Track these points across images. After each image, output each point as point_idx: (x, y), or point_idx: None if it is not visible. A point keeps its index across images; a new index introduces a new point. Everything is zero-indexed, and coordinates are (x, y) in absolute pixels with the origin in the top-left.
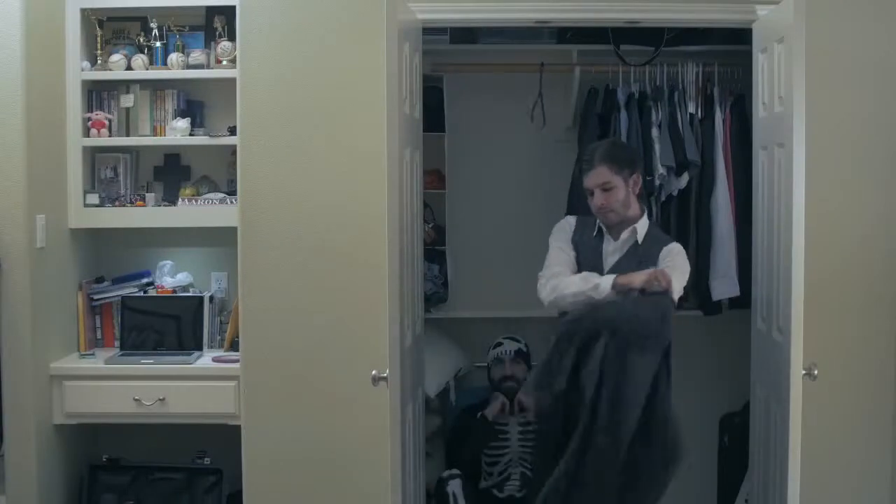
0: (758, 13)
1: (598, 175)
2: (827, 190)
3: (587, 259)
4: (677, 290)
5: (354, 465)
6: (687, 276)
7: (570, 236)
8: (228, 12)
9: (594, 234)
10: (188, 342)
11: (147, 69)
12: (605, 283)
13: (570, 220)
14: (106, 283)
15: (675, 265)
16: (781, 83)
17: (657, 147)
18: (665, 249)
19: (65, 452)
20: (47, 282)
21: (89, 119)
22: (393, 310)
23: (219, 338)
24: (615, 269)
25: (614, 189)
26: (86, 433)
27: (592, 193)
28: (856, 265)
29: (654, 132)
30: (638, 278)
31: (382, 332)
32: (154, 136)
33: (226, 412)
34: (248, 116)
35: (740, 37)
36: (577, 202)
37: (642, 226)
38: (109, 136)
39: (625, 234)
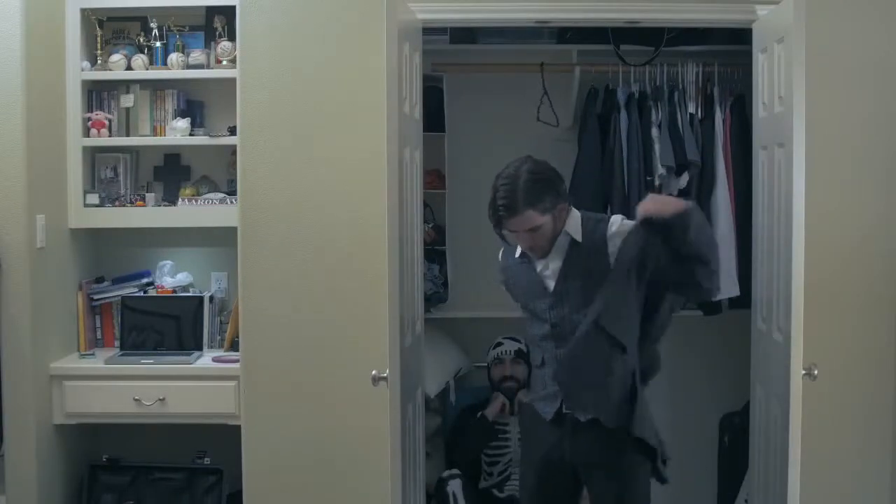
0: (758, 13)
1: (525, 220)
2: (827, 190)
3: (523, 288)
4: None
5: (354, 464)
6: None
7: (504, 280)
8: (228, 12)
9: (517, 255)
10: (188, 342)
11: (147, 69)
12: None
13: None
14: (106, 283)
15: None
16: (781, 83)
17: (657, 147)
18: (611, 223)
19: (65, 452)
20: (47, 282)
21: (89, 119)
22: (393, 310)
23: (219, 338)
24: (562, 276)
25: (542, 228)
26: (86, 433)
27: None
28: (856, 265)
29: (654, 132)
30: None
31: (382, 331)
32: (154, 136)
33: (226, 412)
34: (248, 116)
35: (740, 37)
36: (576, 201)
37: (574, 225)
38: (109, 136)
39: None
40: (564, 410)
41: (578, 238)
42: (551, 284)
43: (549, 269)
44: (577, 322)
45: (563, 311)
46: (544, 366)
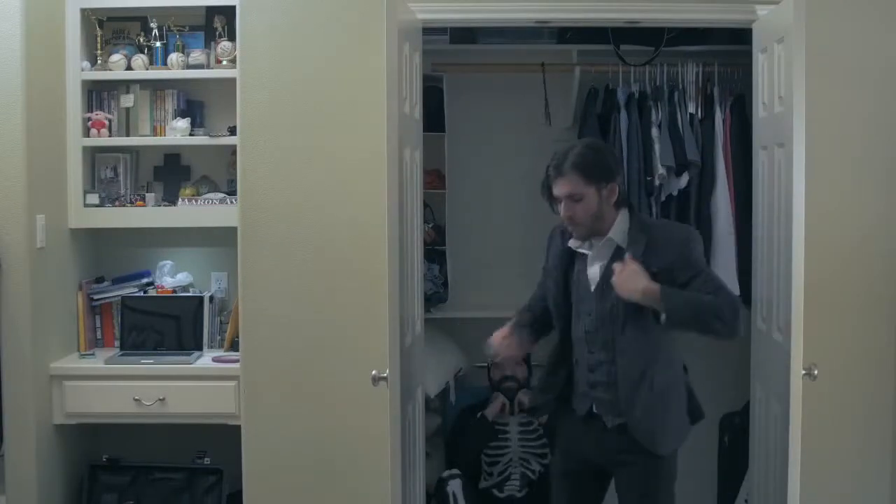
0: (758, 13)
1: (567, 184)
2: (827, 190)
3: (579, 283)
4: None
5: (354, 464)
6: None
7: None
8: (228, 12)
9: (566, 243)
10: (188, 342)
11: (147, 69)
12: None
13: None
14: (106, 283)
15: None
16: (781, 83)
17: (657, 147)
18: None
19: (65, 452)
20: (47, 282)
21: (89, 119)
22: (393, 310)
23: (219, 338)
24: (603, 278)
25: (584, 200)
26: (86, 433)
27: (560, 201)
28: (856, 265)
29: (654, 132)
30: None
31: (382, 331)
32: (154, 136)
33: (226, 412)
34: (248, 116)
35: (740, 37)
36: None
37: (619, 231)
38: (109, 136)
39: (599, 243)
40: (595, 411)
41: (623, 244)
42: (593, 285)
43: (589, 275)
44: (611, 333)
45: (597, 321)
46: (578, 365)
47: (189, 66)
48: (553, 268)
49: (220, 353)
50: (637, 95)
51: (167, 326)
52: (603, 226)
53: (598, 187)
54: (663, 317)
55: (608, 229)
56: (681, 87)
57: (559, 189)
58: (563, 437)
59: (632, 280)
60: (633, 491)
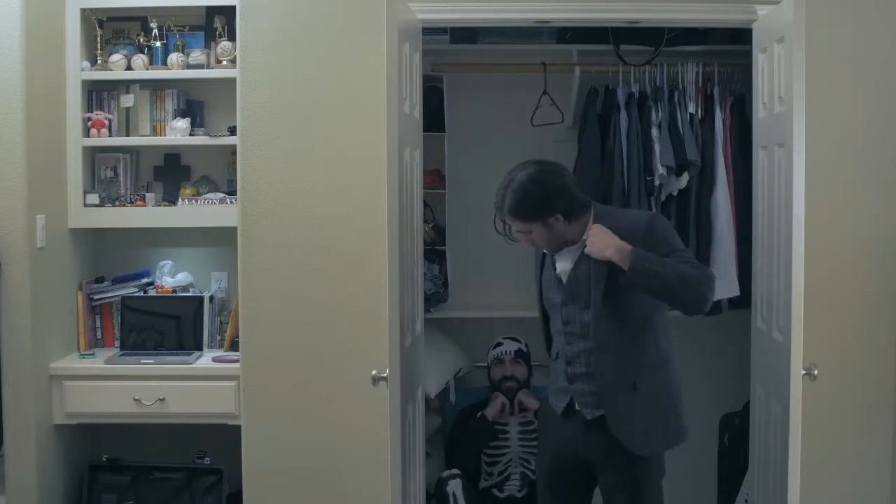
0: (758, 13)
1: (511, 222)
2: (827, 190)
3: (542, 277)
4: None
5: (354, 464)
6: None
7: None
8: (228, 12)
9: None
10: (188, 342)
11: (147, 69)
12: None
13: None
14: (106, 283)
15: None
16: (781, 83)
17: (657, 147)
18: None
19: (65, 452)
20: (47, 282)
21: (89, 119)
22: (393, 310)
23: (219, 338)
24: (572, 278)
25: (533, 232)
26: (86, 433)
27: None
28: (856, 265)
29: (654, 132)
30: None
31: (382, 332)
32: (154, 136)
33: (226, 412)
34: (248, 116)
35: (740, 37)
36: None
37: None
38: (109, 136)
39: (572, 247)
40: (577, 407)
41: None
42: (563, 280)
43: (559, 269)
44: (586, 323)
45: (573, 310)
46: (558, 359)
47: (189, 66)
48: (536, 267)
49: (220, 353)
50: (637, 95)
51: (167, 326)
52: (570, 238)
53: (542, 222)
54: (627, 269)
55: (580, 237)
56: (681, 87)
57: (508, 222)
58: (546, 437)
59: (604, 238)
60: (619, 490)
